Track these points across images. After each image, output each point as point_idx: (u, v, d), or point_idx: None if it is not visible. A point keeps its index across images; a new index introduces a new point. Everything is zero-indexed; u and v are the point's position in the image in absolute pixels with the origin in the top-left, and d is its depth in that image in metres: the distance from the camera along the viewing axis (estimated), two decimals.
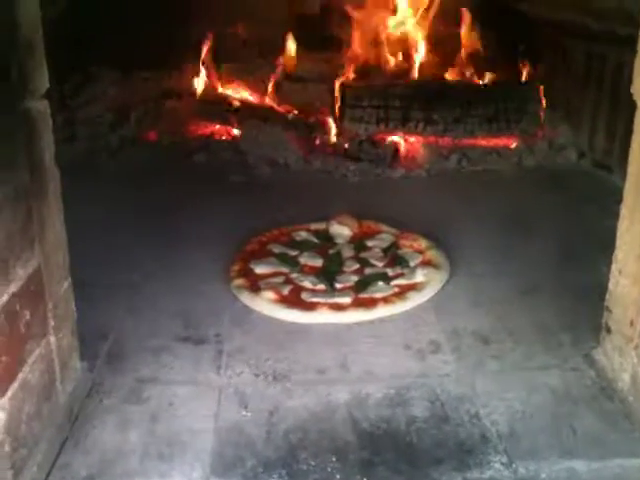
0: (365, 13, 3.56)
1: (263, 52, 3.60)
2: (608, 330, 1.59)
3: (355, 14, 3.55)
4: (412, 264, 2.17)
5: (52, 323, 1.40)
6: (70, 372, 1.51)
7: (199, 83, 3.66)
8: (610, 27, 2.95)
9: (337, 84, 3.43)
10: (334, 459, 1.37)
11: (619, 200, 1.56)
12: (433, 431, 1.45)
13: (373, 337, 1.83)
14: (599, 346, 1.64)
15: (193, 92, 3.64)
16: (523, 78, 3.61)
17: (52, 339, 1.40)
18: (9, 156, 1.24)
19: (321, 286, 2.06)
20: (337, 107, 3.38)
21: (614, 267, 1.56)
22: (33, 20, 1.34)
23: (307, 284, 2.06)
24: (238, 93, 3.63)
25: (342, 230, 2.41)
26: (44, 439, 1.35)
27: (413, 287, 2.04)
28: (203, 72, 3.65)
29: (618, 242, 1.56)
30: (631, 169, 1.52)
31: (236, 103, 3.53)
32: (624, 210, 1.54)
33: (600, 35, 3.08)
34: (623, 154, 1.56)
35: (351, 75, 3.49)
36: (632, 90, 1.49)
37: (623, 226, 1.54)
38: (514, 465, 1.35)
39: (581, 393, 1.57)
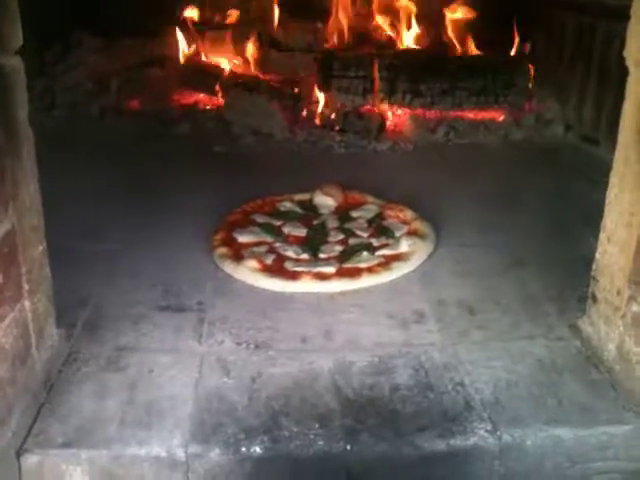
0: None
1: (250, 19, 3.53)
2: (594, 299, 1.57)
3: None
4: (397, 234, 2.14)
5: (26, 287, 1.36)
6: (46, 338, 1.47)
7: (183, 51, 3.58)
8: None
9: (323, 54, 3.37)
10: (317, 426, 1.35)
11: (606, 173, 1.53)
12: (417, 399, 1.43)
13: (357, 307, 1.80)
14: (585, 316, 1.63)
15: (176, 60, 3.56)
16: (512, 51, 3.57)
17: (27, 304, 1.36)
18: None
19: (305, 256, 2.03)
20: (323, 77, 3.31)
21: (602, 235, 1.54)
22: None
23: (291, 254, 2.03)
24: (223, 62, 3.56)
25: (327, 201, 2.38)
26: (19, 406, 1.32)
27: (398, 257, 2.01)
28: (187, 39, 3.57)
29: (607, 210, 1.53)
30: (621, 137, 1.49)
31: (221, 72, 3.46)
32: (613, 178, 1.51)
33: (589, 7, 3.05)
34: (610, 128, 1.54)
35: (337, 45, 3.43)
36: (624, 54, 1.46)
37: (612, 194, 1.51)
38: (498, 432, 1.34)
39: (566, 362, 1.56)
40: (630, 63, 1.45)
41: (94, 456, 1.29)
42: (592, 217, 1.61)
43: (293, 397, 1.43)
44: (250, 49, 3.48)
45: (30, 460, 1.29)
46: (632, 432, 1.35)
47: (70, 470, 1.29)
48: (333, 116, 3.23)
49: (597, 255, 1.57)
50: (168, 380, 1.48)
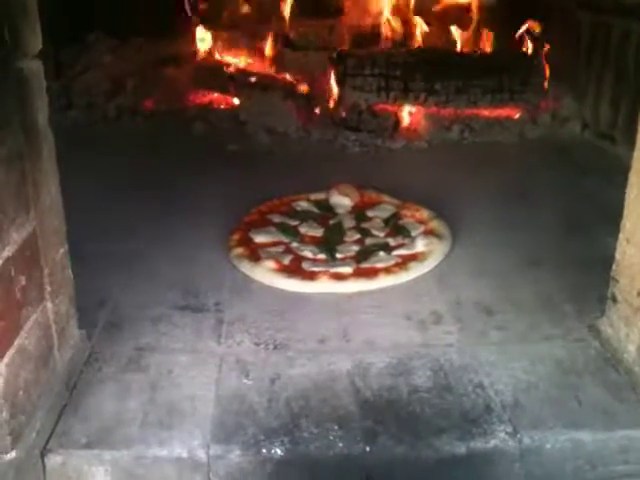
0: None
1: (263, 18, 3.53)
2: (614, 300, 1.57)
3: None
4: (414, 234, 2.14)
5: (49, 289, 1.37)
6: (68, 339, 1.49)
7: (197, 50, 3.59)
8: None
9: (338, 52, 3.36)
10: (336, 427, 1.35)
11: (623, 171, 1.53)
12: (436, 400, 1.43)
13: (374, 307, 1.80)
14: (604, 317, 1.62)
15: (191, 59, 3.57)
16: (527, 48, 3.54)
17: (49, 305, 1.38)
18: (2, 116, 1.20)
19: (322, 256, 2.03)
20: (338, 75, 3.31)
21: (621, 236, 1.53)
22: None
23: (307, 254, 2.04)
24: (237, 61, 3.56)
25: (343, 200, 2.38)
26: (42, 406, 1.34)
27: (415, 257, 2.01)
28: (202, 39, 3.58)
29: (626, 211, 1.53)
30: None
31: (235, 71, 3.47)
32: (633, 178, 1.50)
33: (605, 5, 3.02)
34: (627, 125, 1.52)
35: (351, 43, 3.42)
36: None
37: (632, 194, 1.51)
38: (519, 435, 1.33)
39: (586, 364, 1.55)
40: None
41: (116, 457, 1.31)
42: (610, 215, 1.60)
43: (312, 398, 1.44)
44: (265, 48, 3.48)
45: (54, 460, 1.30)
46: None
47: (93, 471, 1.30)
48: (347, 115, 3.22)
49: (617, 255, 1.56)
50: (188, 380, 1.49)
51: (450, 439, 1.33)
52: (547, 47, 3.44)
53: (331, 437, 1.34)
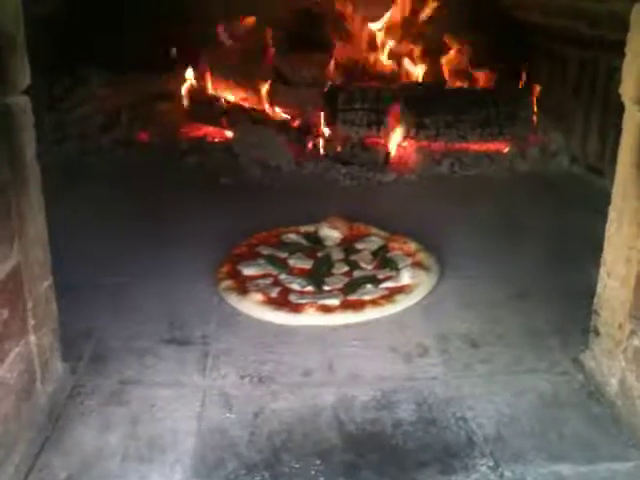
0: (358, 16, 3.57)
1: (257, 54, 3.59)
2: (597, 333, 1.57)
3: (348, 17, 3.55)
4: (401, 267, 2.15)
5: (32, 322, 1.38)
6: (51, 372, 1.49)
7: (191, 85, 3.64)
8: (602, 32, 2.96)
9: (329, 87, 3.42)
10: (318, 462, 1.35)
11: (609, 204, 1.55)
12: (419, 434, 1.43)
13: (360, 340, 1.81)
14: (588, 350, 1.63)
15: (185, 94, 3.62)
16: (516, 84, 3.60)
17: (32, 338, 1.38)
18: None
19: (309, 288, 2.04)
20: (329, 110, 3.36)
21: (602, 270, 1.55)
22: (14, 16, 1.32)
23: (295, 286, 2.04)
24: (231, 95, 3.62)
25: (332, 233, 2.39)
26: (22, 440, 1.33)
27: (402, 290, 2.02)
28: (195, 74, 3.64)
29: (606, 245, 1.55)
30: (619, 171, 1.52)
31: (228, 105, 3.52)
32: (612, 213, 1.53)
33: (592, 41, 3.08)
34: (615, 158, 1.55)
35: (342, 78, 3.48)
36: (620, 90, 1.48)
37: (611, 229, 1.53)
38: (500, 469, 1.33)
39: (569, 397, 1.55)
40: (626, 100, 1.47)
41: None
42: (596, 248, 1.61)
43: (295, 432, 1.43)
44: (258, 84, 3.53)
45: None
46: (635, 469, 1.34)
47: None
48: (339, 149, 3.26)
49: (598, 289, 1.58)
50: (171, 415, 1.49)
51: (432, 473, 1.33)
52: (535, 82, 3.50)
53: (312, 472, 1.33)
